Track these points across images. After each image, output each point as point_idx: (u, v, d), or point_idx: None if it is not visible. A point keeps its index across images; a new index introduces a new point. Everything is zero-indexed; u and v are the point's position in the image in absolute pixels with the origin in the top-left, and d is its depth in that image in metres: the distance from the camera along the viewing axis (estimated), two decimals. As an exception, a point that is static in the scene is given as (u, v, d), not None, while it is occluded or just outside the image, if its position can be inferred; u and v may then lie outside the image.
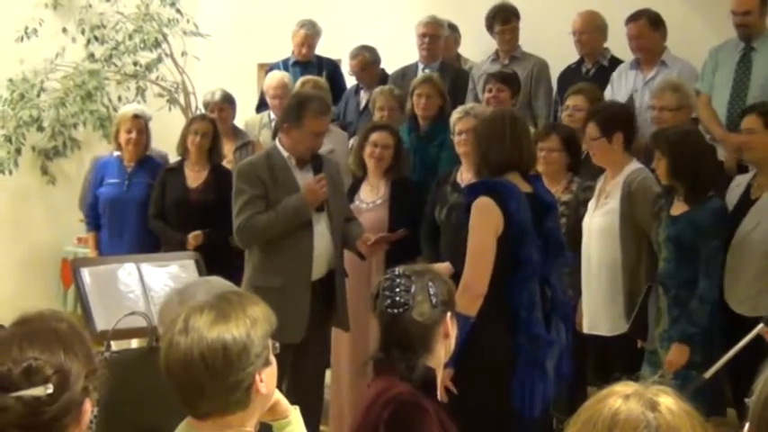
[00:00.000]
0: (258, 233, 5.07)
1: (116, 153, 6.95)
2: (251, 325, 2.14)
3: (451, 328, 2.93)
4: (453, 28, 7.63)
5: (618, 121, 5.04)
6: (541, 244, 4.21)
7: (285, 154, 5.16)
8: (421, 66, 7.28)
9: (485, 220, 4.15)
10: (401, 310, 2.88)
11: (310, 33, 7.82)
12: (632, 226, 4.83)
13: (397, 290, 2.90)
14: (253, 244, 5.16)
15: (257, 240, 5.12)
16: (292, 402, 2.56)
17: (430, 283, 2.90)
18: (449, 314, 2.92)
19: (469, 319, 4.01)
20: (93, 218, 6.98)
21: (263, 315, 2.19)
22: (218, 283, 3.10)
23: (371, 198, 5.89)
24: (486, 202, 4.15)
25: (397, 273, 2.95)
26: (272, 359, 2.22)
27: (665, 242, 4.59)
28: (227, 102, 7.24)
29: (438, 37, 7.29)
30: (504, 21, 7.04)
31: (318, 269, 5.12)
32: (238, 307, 2.16)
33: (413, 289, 2.89)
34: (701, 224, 4.47)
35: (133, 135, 6.82)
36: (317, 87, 6.67)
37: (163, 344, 2.18)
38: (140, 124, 6.87)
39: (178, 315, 2.17)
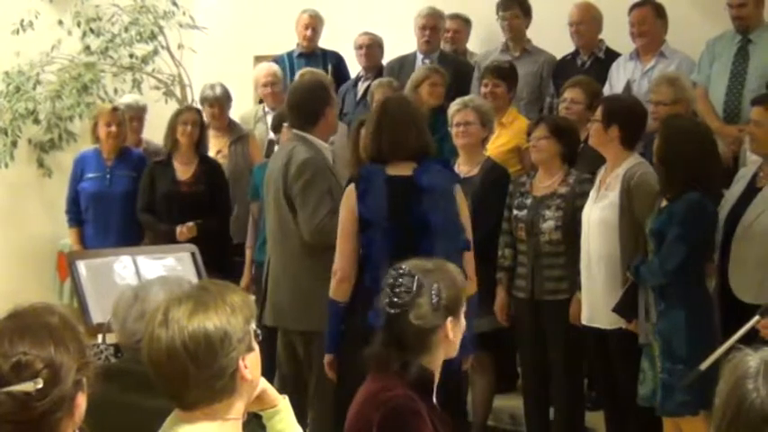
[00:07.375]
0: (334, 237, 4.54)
1: (95, 146, 6.90)
2: (230, 312, 2.14)
3: (452, 331, 2.84)
4: (466, 21, 7.61)
5: (620, 114, 4.93)
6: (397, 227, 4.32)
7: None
8: (420, 56, 7.25)
9: (344, 206, 4.44)
10: (398, 310, 2.81)
11: (314, 16, 7.81)
12: (630, 220, 4.78)
13: (398, 289, 2.82)
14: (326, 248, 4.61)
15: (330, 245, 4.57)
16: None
17: (435, 286, 2.82)
18: (449, 319, 2.84)
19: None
20: (75, 213, 6.89)
21: (242, 302, 2.19)
22: (176, 280, 3.08)
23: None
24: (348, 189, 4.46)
25: (402, 270, 2.86)
26: (255, 345, 2.21)
27: (649, 235, 4.57)
28: (226, 98, 7.18)
29: (438, 28, 7.28)
30: (504, 7, 7.02)
31: None
32: (217, 296, 2.17)
33: (414, 289, 2.80)
34: (675, 214, 4.45)
35: (113, 129, 6.76)
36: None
37: (144, 338, 2.19)
38: (119, 117, 6.83)
39: (157, 308, 2.18)
